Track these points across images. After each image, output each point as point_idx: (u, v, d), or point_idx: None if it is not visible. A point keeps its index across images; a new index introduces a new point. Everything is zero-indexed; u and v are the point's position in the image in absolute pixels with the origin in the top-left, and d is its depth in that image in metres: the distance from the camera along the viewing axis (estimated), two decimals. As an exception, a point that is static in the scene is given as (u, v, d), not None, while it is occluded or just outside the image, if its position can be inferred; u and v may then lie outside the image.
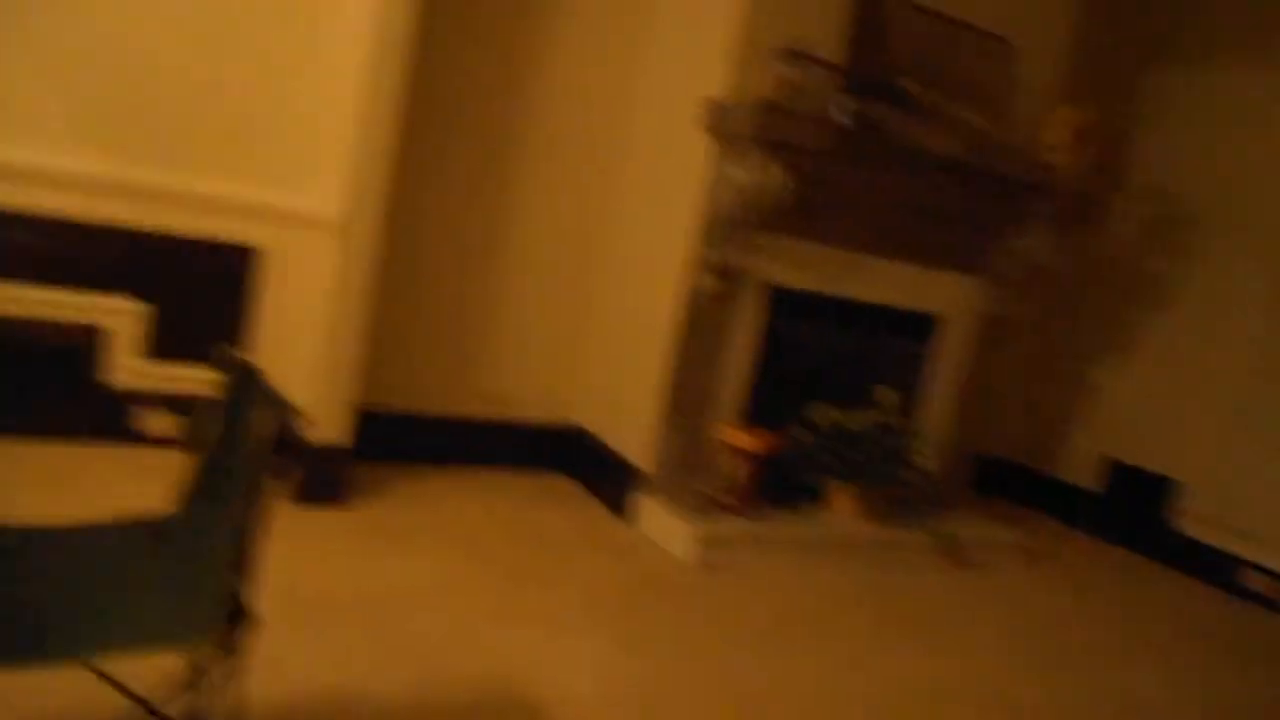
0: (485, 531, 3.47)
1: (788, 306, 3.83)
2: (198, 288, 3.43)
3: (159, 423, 3.47)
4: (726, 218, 3.56)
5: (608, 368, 4.14)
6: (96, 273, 3.32)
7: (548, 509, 3.81)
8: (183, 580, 1.66)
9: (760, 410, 3.83)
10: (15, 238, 3.20)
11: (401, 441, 3.91)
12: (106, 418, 3.40)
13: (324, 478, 3.40)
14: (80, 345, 3.35)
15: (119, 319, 3.37)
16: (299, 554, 2.99)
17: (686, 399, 3.73)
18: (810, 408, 3.84)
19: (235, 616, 1.60)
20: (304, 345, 3.44)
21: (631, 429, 3.88)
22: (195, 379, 3.28)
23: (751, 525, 3.63)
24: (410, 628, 2.71)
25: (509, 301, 4.08)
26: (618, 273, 4.13)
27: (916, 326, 4.19)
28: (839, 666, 2.98)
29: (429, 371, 4.00)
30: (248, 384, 1.79)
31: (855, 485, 3.84)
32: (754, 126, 3.39)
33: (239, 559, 1.59)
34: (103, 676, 1.64)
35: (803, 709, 2.68)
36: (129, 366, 3.40)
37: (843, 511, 3.89)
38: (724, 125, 3.52)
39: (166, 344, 3.43)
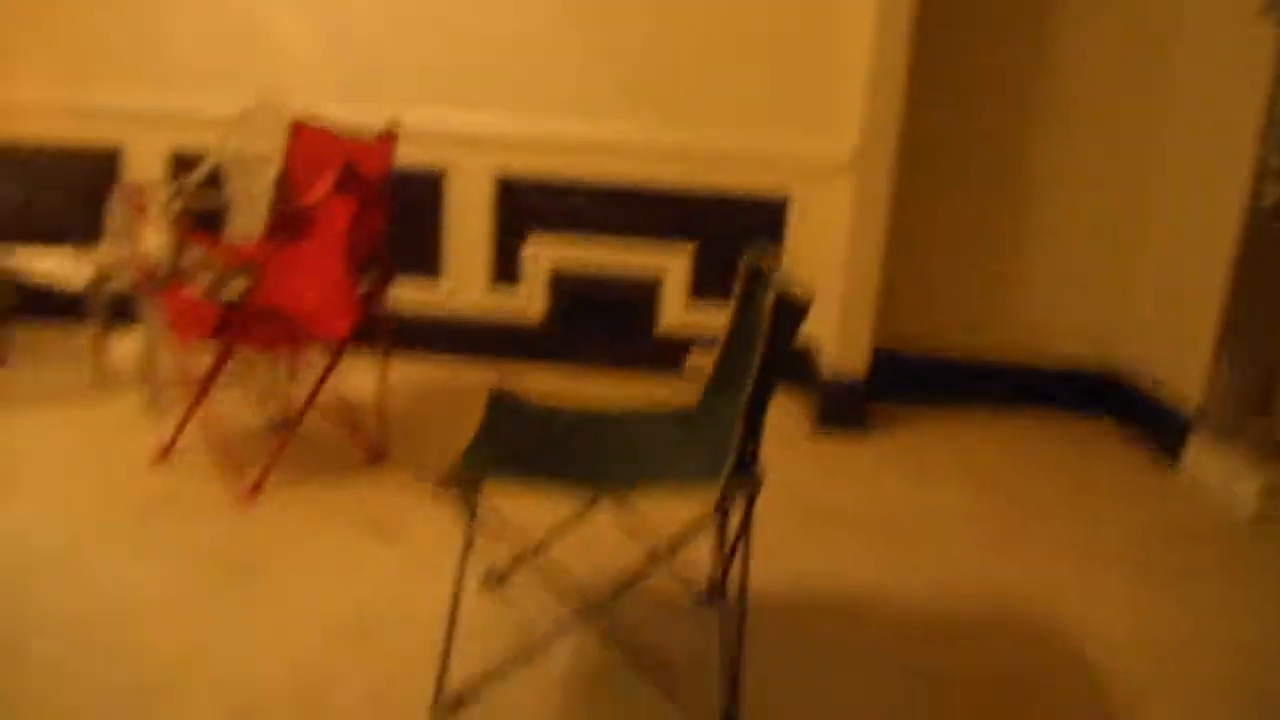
0: (1010, 468, 3.34)
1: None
2: (733, 236, 3.76)
3: (696, 358, 3.88)
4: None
5: (1155, 298, 3.72)
6: (651, 228, 3.81)
7: (1079, 450, 3.55)
8: (700, 451, 1.96)
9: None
10: (578, 203, 3.79)
11: (923, 382, 3.90)
12: (660, 354, 3.86)
13: (843, 407, 3.54)
14: (642, 294, 3.87)
15: (670, 271, 3.82)
16: (817, 474, 3.15)
17: (1251, 330, 3.22)
18: None
19: (744, 476, 1.77)
20: (826, 283, 3.60)
21: (1183, 366, 3.45)
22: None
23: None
24: (925, 545, 2.72)
25: (1037, 235, 3.84)
26: (1168, 192, 3.68)
27: None
28: None
29: (952, 311, 3.92)
30: (760, 278, 1.95)
31: None
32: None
33: (749, 431, 1.76)
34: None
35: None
36: (676, 310, 3.85)
37: None
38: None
39: (706, 289, 3.82)
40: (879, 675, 2.11)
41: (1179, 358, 3.48)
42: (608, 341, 3.93)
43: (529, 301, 3.90)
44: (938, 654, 2.21)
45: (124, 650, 2.00)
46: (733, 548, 2.04)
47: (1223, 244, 3.24)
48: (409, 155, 3.28)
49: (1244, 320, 3.21)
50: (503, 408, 2.12)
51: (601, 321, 3.92)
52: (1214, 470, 3.21)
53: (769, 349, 1.70)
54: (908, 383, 3.84)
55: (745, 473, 1.79)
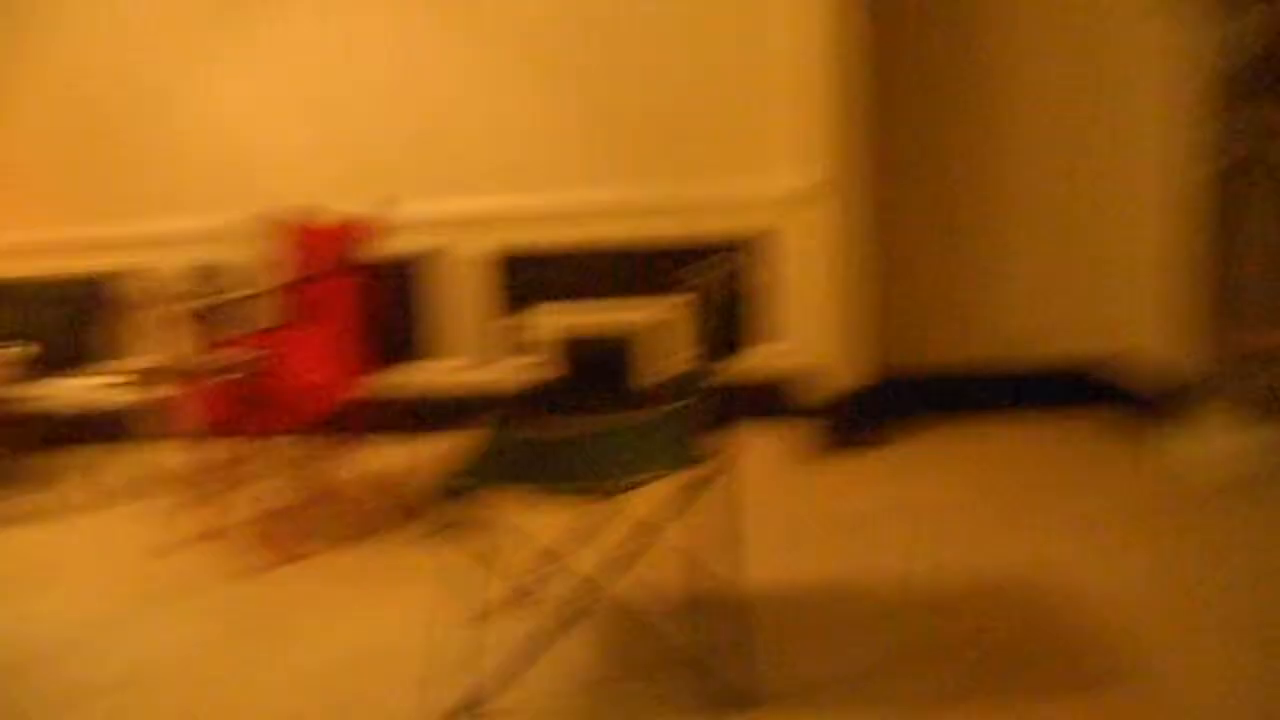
0: (1006, 464, 3.39)
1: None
2: (722, 281, 3.90)
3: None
4: (1233, 75, 3.14)
5: (1124, 284, 3.80)
6: (633, 284, 3.97)
7: (1070, 442, 3.59)
8: (669, 447, 2.06)
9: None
10: (552, 272, 3.97)
11: (922, 397, 3.98)
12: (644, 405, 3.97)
13: (845, 425, 3.63)
14: (622, 349, 4.01)
15: (655, 323, 3.98)
16: (823, 487, 3.24)
17: (1216, 301, 3.29)
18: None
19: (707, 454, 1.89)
20: (820, 308, 3.73)
21: (1157, 345, 3.52)
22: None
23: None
24: (926, 535, 2.79)
25: (1009, 244, 3.96)
26: (1123, 185, 3.81)
27: None
28: None
29: (940, 324, 4.02)
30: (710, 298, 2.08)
31: None
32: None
33: (704, 422, 1.90)
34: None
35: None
36: (660, 362, 3.99)
37: None
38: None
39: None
40: (881, 645, 2.16)
41: (1154, 339, 3.54)
42: (610, 392, 4.06)
43: (527, 367, 4.07)
44: (943, 622, 2.26)
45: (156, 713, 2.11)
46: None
47: (1176, 223, 3.34)
48: (404, 240, 3.51)
49: (1208, 295, 3.29)
50: (490, 433, 2.25)
51: (605, 378, 4.05)
52: (1197, 440, 3.24)
53: (710, 325, 1.83)
54: (905, 399, 3.92)
55: (699, 449, 1.91)
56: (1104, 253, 3.90)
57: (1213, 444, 3.17)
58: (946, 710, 1.94)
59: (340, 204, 3.42)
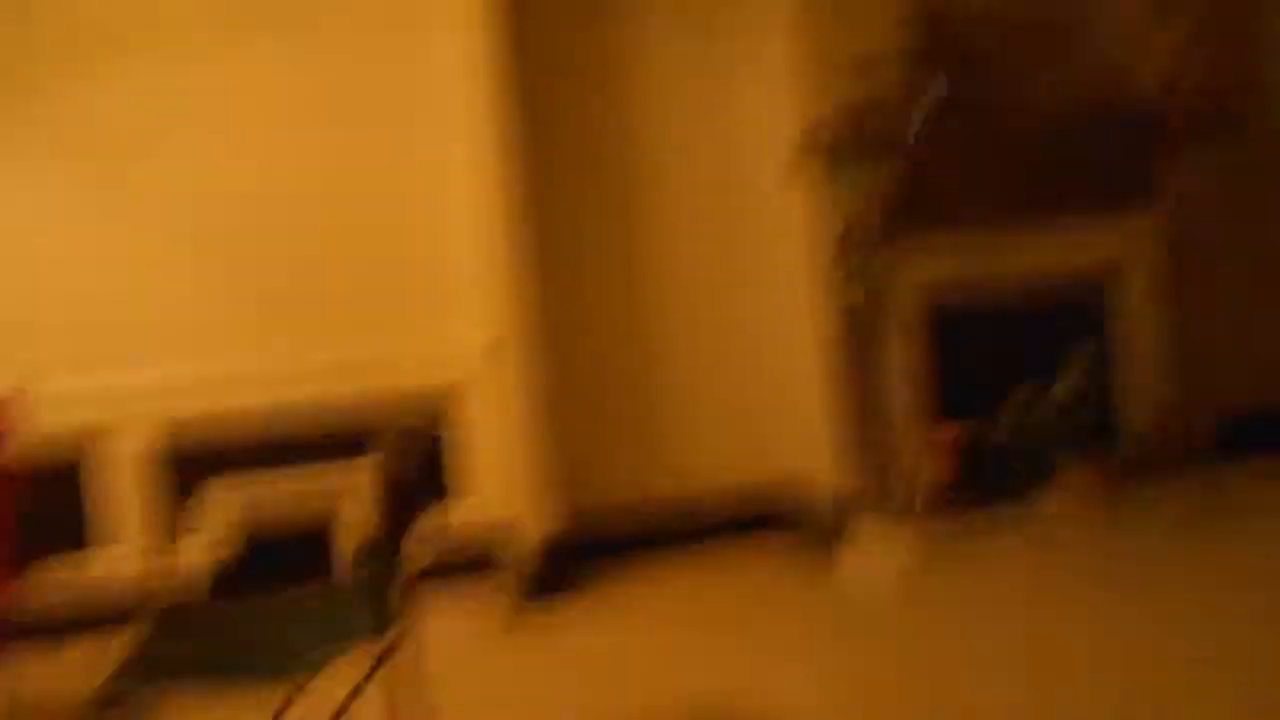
0: (694, 598, 3.54)
1: (948, 298, 3.78)
2: (417, 439, 3.83)
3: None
4: (846, 229, 3.64)
5: (783, 410, 4.18)
6: (316, 451, 3.81)
7: (755, 567, 3.81)
8: (354, 618, 1.94)
9: (946, 408, 3.74)
10: (226, 444, 3.74)
11: (614, 539, 4.06)
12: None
13: (537, 575, 3.64)
14: (305, 521, 3.81)
15: (354, 487, 3.83)
16: (513, 649, 3.20)
17: (867, 414, 3.71)
18: (1013, 389, 3.72)
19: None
20: (506, 460, 3.77)
21: (819, 462, 3.88)
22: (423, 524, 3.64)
23: (963, 524, 3.49)
24: (619, 684, 2.82)
25: (677, 377, 4.22)
26: (771, 317, 4.22)
27: (1089, 287, 4.00)
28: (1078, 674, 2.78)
29: (623, 465, 4.17)
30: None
31: (1083, 459, 3.63)
32: (843, 134, 3.49)
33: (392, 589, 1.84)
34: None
35: None
36: (346, 529, 3.83)
37: (1072, 492, 3.66)
38: (818, 141, 3.65)
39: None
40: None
41: (816, 457, 3.90)
42: (299, 567, 3.81)
43: (207, 551, 3.74)
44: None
45: None
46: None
47: (822, 350, 3.76)
48: (50, 422, 3.17)
49: (858, 409, 3.70)
50: (154, 626, 2.03)
51: (288, 553, 3.80)
52: (865, 546, 3.58)
53: (388, 477, 1.80)
54: (598, 544, 3.99)
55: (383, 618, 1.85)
56: (767, 383, 4.27)
57: (870, 554, 3.50)
58: None
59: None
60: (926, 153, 3.62)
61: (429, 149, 3.90)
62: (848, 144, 3.53)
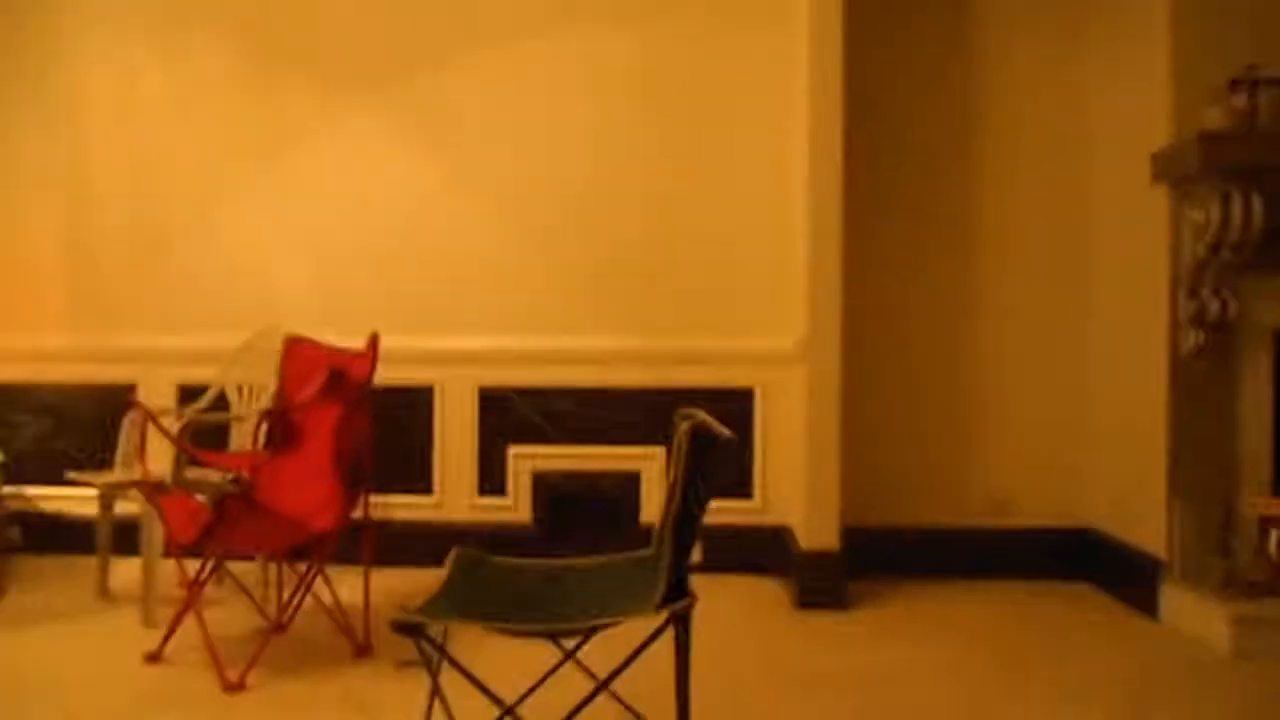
0: (988, 628, 3.39)
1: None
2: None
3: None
4: (1197, 265, 3.31)
5: (1109, 454, 3.88)
6: (628, 428, 4.07)
7: (1055, 608, 3.60)
8: (648, 585, 2.07)
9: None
10: (564, 407, 4.09)
11: (899, 556, 3.98)
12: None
13: (819, 583, 3.62)
14: (624, 489, 4.07)
15: (649, 464, 4.04)
16: (797, 646, 3.22)
17: (1199, 472, 3.36)
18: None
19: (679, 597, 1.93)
20: (794, 465, 3.82)
21: (1143, 515, 3.56)
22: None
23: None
24: (904, 700, 2.76)
25: (994, 405, 4.06)
26: (1101, 352, 3.94)
27: None
28: None
29: (919, 485, 4.07)
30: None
31: None
32: (1204, 162, 3.17)
33: (678, 554, 1.94)
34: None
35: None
36: (657, 502, 4.02)
37: None
38: (1173, 169, 3.34)
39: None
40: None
41: (1138, 507, 3.59)
42: (595, 537, 4.07)
43: (517, 506, 4.10)
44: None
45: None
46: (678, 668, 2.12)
47: (1157, 397, 3.44)
48: (396, 375, 3.61)
49: (1188, 463, 3.36)
50: (466, 566, 2.28)
51: (588, 519, 4.07)
52: (1184, 612, 3.26)
53: (686, 472, 1.89)
54: (884, 558, 3.92)
55: (679, 593, 1.93)
56: (1084, 419, 3.99)
57: (1200, 619, 3.18)
58: None
59: (334, 336, 3.54)
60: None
61: (765, 150, 4.03)
62: (1206, 172, 3.20)
